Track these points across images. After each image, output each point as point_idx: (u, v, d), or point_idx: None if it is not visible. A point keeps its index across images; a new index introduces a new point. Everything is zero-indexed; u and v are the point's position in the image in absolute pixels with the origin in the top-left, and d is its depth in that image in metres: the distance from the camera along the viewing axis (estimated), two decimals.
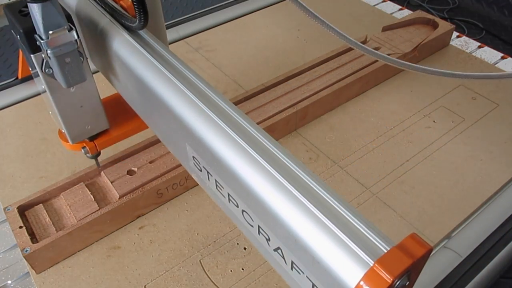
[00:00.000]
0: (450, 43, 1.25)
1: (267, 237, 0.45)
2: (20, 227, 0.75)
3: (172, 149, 0.62)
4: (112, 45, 0.60)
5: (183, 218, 0.84)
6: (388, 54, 1.11)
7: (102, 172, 0.84)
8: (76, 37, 0.56)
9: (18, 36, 0.58)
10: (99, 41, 0.63)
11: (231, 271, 0.76)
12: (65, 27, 0.55)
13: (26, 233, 0.74)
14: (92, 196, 0.80)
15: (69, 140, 0.71)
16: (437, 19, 1.23)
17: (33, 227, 0.77)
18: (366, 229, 0.37)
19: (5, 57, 1.70)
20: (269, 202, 0.41)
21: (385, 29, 1.20)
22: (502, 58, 1.22)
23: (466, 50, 1.24)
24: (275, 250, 0.44)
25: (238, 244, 0.79)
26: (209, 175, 0.51)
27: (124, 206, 0.79)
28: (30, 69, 0.64)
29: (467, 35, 1.31)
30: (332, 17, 1.35)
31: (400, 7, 1.42)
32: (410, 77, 1.14)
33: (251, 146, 0.44)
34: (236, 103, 0.98)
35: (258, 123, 0.93)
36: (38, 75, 0.61)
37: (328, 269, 0.37)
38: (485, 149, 0.95)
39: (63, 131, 0.70)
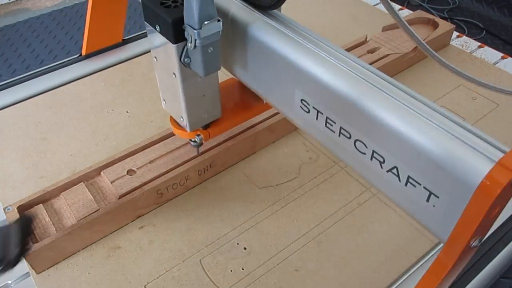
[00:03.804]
0: (450, 43, 1.25)
1: (381, 160, 0.50)
2: None
3: (277, 102, 0.66)
4: (248, 28, 0.62)
5: (183, 218, 0.84)
6: (388, 54, 1.11)
7: (102, 172, 0.84)
8: (222, 27, 0.58)
9: (158, 27, 0.60)
10: (228, 27, 0.65)
11: (231, 271, 0.76)
12: (217, 18, 0.57)
13: None
14: (92, 196, 0.80)
15: (188, 128, 0.73)
16: (437, 19, 1.23)
17: (33, 227, 0.77)
18: (482, 137, 0.43)
19: (5, 57, 1.70)
20: (392, 123, 0.47)
21: (385, 29, 1.20)
22: (502, 58, 1.22)
23: (466, 50, 1.24)
24: (389, 170, 0.49)
25: (238, 244, 0.79)
26: (319, 114, 0.57)
27: (124, 206, 0.79)
28: (154, 58, 0.66)
29: (467, 35, 1.31)
30: (332, 17, 1.35)
31: (400, 7, 1.42)
32: (410, 77, 1.14)
33: (365, 79, 0.51)
34: None
35: (258, 123, 0.94)
36: (166, 63, 0.64)
37: (451, 171, 0.42)
38: None
39: (181, 119, 0.72)
